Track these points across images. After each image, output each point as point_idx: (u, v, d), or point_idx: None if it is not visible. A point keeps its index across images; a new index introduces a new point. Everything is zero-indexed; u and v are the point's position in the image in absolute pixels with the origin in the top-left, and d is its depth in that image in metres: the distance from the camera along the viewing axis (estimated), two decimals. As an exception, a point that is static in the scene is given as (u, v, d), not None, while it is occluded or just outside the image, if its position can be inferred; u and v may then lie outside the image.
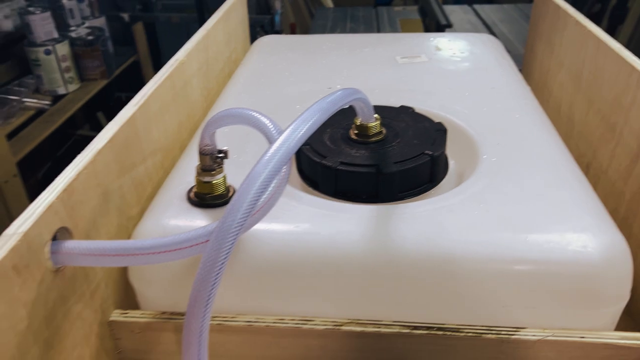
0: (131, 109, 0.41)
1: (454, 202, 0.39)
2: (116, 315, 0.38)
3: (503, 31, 1.33)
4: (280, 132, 0.30)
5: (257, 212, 0.32)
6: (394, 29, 1.45)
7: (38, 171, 1.61)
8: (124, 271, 0.40)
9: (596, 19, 1.74)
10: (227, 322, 0.36)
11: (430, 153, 0.42)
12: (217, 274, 0.26)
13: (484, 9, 1.55)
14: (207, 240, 0.28)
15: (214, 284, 0.26)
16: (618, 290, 0.35)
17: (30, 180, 1.41)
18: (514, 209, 0.37)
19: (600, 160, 0.51)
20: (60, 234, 0.31)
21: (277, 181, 0.32)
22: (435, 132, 0.45)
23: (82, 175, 0.33)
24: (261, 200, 0.28)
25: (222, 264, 0.26)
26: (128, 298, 0.41)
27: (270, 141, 0.32)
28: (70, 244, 0.30)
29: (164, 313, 0.37)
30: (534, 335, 0.34)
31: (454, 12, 1.50)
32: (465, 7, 1.57)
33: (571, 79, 0.58)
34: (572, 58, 0.58)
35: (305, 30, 2.43)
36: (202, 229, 0.29)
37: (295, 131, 0.30)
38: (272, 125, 0.33)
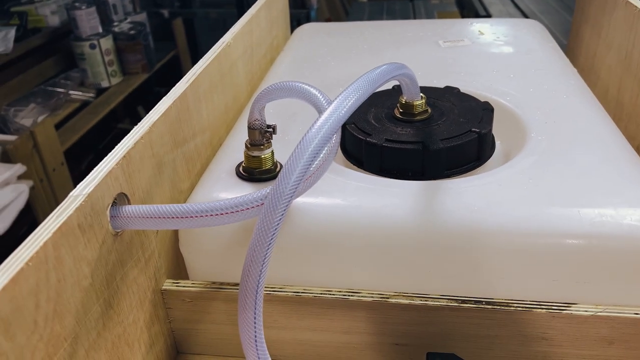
0: (183, 85, 0.42)
1: (502, 177, 0.38)
2: (169, 285, 0.39)
3: (544, 22, 1.30)
4: (330, 103, 0.30)
5: (309, 177, 0.32)
6: (432, 21, 1.43)
7: (81, 162, 1.66)
8: (176, 243, 0.41)
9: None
10: (275, 292, 0.37)
11: (478, 130, 0.42)
12: (273, 234, 0.27)
13: (524, 1, 1.52)
14: (262, 204, 0.29)
15: (270, 244, 0.27)
16: (674, 266, 0.34)
17: (74, 171, 1.46)
18: (565, 183, 0.37)
19: (652, 143, 0.50)
20: (119, 200, 0.32)
21: (328, 149, 0.33)
22: (482, 111, 0.45)
23: (139, 144, 0.35)
24: (313, 166, 0.29)
25: (278, 224, 0.27)
26: (179, 270, 0.42)
27: (320, 111, 0.32)
28: (129, 208, 0.31)
29: (214, 283, 0.38)
30: (586, 311, 0.34)
31: (493, 4, 1.48)
32: (505, -2, 1.54)
33: (620, 61, 0.57)
34: (621, 40, 0.57)
35: (341, 25, 2.42)
36: (257, 193, 0.29)
37: (345, 100, 0.30)
38: (321, 96, 0.34)
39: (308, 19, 1.94)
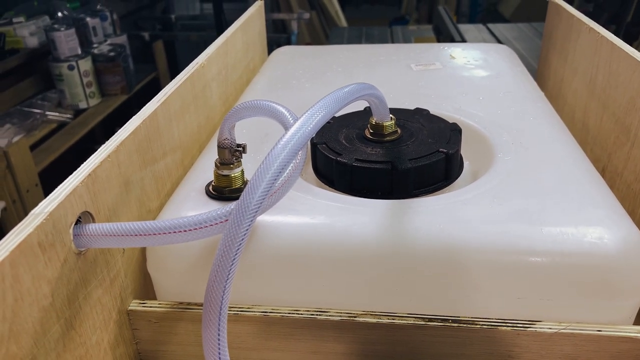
0: (154, 105, 0.42)
1: (469, 196, 0.39)
2: (135, 305, 0.38)
3: (517, 48, 1.33)
4: (297, 120, 0.31)
5: (274, 192, 0.32)
6: (408, 46, 1.46)
7: (57, 183, 1.64)
8: (143, 262, 0.40)
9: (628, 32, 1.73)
10: (243, 312, 0.37)
11: (445, 151, 0.43)
12: (237, 250, 0.27)
13: (498, 28, 1.56)
14: (227, 220, 0.29)
15: (234, 260, 0.27)
16: (634, 283, 0.35)
17: (49, 192, 1.44)
18: (528, 202, 0.38)
19: (616, 164, 0.51)
20: (84, 218, 0.32)
21: (294, 165, 0.33)
22: (450, 132, 0.46)
23: (105, 163, 0.34)
24: (278, 182, 0.29)
25: (242, 240, 0.27)
26: (147, 291, 0.41)
27: (287, 128, 0.33)
28: (92, 226, 0.31)
29: (181, 303, 0.38)
30: (550, 328, 0.34)
31: (469, 31, 1.52)
32: (480, 26, 1.59)
33: (585, 86, 0.59)
34: (586, 65, 0.59)
35: (321, 50, 2.46)
36: (222, 209, 0.29)
37: (311, 117, 0.31)
38: (288, 114, 0.34)
39: (289, 43, 1.97)
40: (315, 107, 0.32)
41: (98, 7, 1.89)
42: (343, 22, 2.88)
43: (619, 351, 0.34)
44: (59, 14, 1.70)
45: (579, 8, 0.63)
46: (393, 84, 0.60)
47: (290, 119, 0.34)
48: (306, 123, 0.31)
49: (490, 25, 1.60)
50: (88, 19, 1.79)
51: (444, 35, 1.41)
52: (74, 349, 0.31)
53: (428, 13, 3.54)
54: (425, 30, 1.65)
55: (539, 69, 0.78)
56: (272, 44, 1.98)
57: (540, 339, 0.35)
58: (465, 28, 1.58)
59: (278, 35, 1.98)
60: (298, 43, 2.21)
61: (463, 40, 1.26)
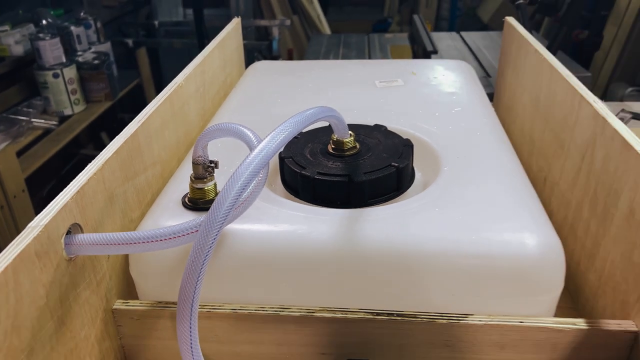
0: (134, 125, 0.47)
1: (415, 206, 0.44)
2: (119, 304, 0.43)
3: (487, 57, 1.40)
4: (260, 141, 0.36)
5: (239, 206, 0.37)
6: (384, 55, 1.52)
7: (43, 188, 1.67)
8: (126, 267, 0.45)
9: (584, 45, 1.82)
10: (215, 310, 0.42)
11: (396, 165, 0.48)
12: (206, 256, 0.32)
13: (471, 36, 1.63)
14: (197, 230, 0.34)
15: (203, 264, 0.32)
16: (552, 281, 0.41)
17: (35, 196, 1.48)
18: (464, 211, 0.43)
19: (554, 174, 0.57)
20: (73, 229, 0.37)
21: (257, 181, 0.38)
22: (403, 147, 0.51)
23: (92, 180, 0.39)
24: (242, 196, 0.34)
25: (210, 248, 0.32)
26: (130, 291, 0.46)
27: (251, 148, 0.38)
28: (81, 236, 0.36)
29: (160, 302, 0.43)
30: (479, 320, 0.40)
31: (442, 39, 1.58)
32: (453, 34, 1.65)
33: (531, 102, 0.64)
34: (532, 83, 0.65)
35: (302, 55, 2.51)
36: (193, 221, 0.35)
37: (272, 140, 0.36)
38: (253, 136, 0.39)
39: (270, 50, 2.02)
40: (278, 129, 0.37)
41: (82, 14, 1.93)
42: (325, 26, 2.93)
43: (539, 339, 0.40)
44: (44, 22, 1.73)
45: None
46: (358, 100, 0.66)
47: (255, 140, 0.39)
48: (268, 144, 0.36)
49: (464, 34, 1.67)
50: (72, 27, 1.83)
51: (418, 44, 1.47)
52: (65, 343, 0.36)
53: (410, 16, 3.61)
54: (401, 39, 1.71)
55: (497, 82, 0.84)
56: (254, 51, 2.04)
57: (471, 329, 0.40)
58: (439, 36, 1.64)
59: (259, 43, 2.03)
60: (280, 48, 2.26)
61: (434, 50, 1.32)
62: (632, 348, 0.40)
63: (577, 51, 1.77)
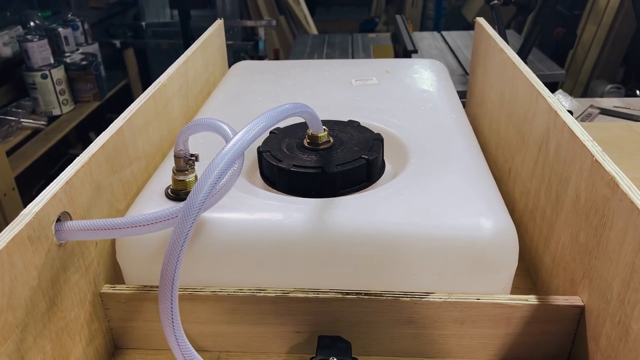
0: (120, 122, 0.50)
1: (382, 194, 0.48)
2: (106, 288, 0.46)
3: (467, 55, 1.44)
4: (235, 134, 0.39)
5: (216, 193, 0.41)
6: (367, 54, 1.56)
7: (33, 187, 1.69)
8: (112, 253, 0.48)
9: (561, 43, 1.87)
10: (196, 292, 0.45)
11: (366, 157, 0.51)
12: (184, 240, 0.35)
13: (452, 35, 1.67)
14: (177, 216, 0.37)
15: (182, 247, 0.35)
16: (505, 261, 0.44)
17: (25, 196, 1.50)
18: (427, 199, 0.47)
19: (517, 165, 0.60)
20: (63, 217, 0.40)
21: (232, 171, 0.42)
22: (374, 141, 0.54)
23: (80, 172, 0.42)
24: (219, 185, 0.37)
25: (188, 232, 0.35)
26: (116, 277, 0.49)
27: (227, 141, 0.41)
28: (70, 223, 0.39)
29: (145, 286, 0.46)
30: (440, 298, 0.43)
31: (424, 39, 1.62)
32: (435, 33, 1.69)
33: (498, 98, 0.68)
34: (498, 80, 0.68)
35: (288, 55, 2.54)
36: (173, 208, 0.38)
37: (246, 133, 0.39)
38: (229, 130, 0.42)
39: (256, 50, 2.05)
40: (252, 123, 0.40)
41: (69, 16, 1.95)
42: (312, 27, 2.97)
43: (495, 315, 0.44)
44: (32, 24, 1.75)
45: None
46: (335, 97, 0.69)
47: (231, 134, 0.42)
48: (242, 137, 0.39)
49: (445, 33, 1.71)
50: (60, 29, 1.85)
51: (400, 43, 1.51)
52: (56, 322, 0.39)
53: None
54: (384, 39, 1.75)
55: (470, 79, 0.88)
56: (240, 51, 2.06)
57: (432, 307, 0.44)
58: (421, 36, 1.68)
59: (245, 43, 2.06)
60: (267, 48, 2.29)
61: (414, 49, 1.36)
62: (579, 321, 0.43)
63: (557, 49, 1.82)
